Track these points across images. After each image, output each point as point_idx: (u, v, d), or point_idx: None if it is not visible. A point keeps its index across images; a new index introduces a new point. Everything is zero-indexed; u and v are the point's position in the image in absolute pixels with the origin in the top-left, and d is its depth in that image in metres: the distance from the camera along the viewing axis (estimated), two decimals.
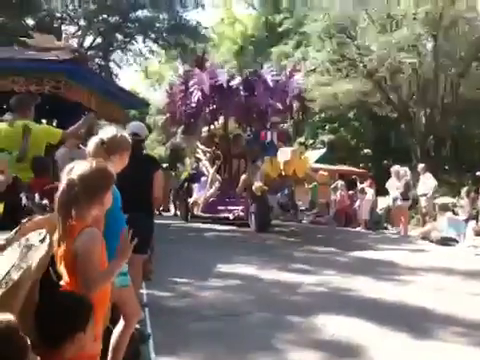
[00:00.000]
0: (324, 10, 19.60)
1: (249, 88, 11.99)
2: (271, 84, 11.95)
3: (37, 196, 3.93)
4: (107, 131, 3.20)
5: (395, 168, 13.67)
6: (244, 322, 4.80)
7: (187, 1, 23.50)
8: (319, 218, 15.78)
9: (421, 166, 13.81)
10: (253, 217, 11.18)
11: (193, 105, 12.26)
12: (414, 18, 17.26)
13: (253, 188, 10.61)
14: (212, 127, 13.74)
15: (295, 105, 13.02)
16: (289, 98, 12.47)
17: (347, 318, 5.02)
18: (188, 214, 12.81)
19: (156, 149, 30.68)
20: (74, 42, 18.25)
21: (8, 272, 1.78)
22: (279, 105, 12.27)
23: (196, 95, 11.97)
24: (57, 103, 9.11)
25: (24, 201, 3.63)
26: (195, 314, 4.94)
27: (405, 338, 4.55)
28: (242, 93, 11.88)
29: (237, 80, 12.00)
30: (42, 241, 1.98)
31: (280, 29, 28.33)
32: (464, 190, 12.11)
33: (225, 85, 11.79)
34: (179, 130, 16.57)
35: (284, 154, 10.65)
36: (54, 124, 8.59)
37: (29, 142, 4.79)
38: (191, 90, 12.18)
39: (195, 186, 13.01)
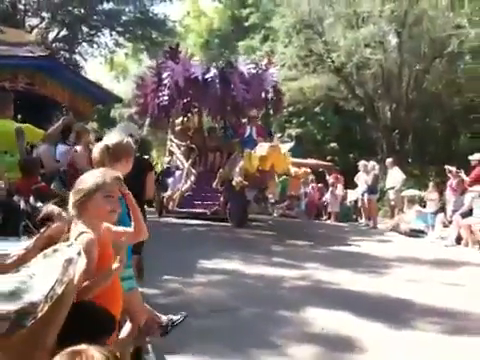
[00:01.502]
0: (291, 6, 19.76)
1: (225, 80, 11.85)
2: (247, 76, 11.87)
3: (32, 199, 3.91)
4: (112, 137, 3.24)
5: (363, 162, 14.01)
6: (235, 318, 4.90)
7: None
8: (289, 211, 16.02)
9: (389, 160, 14.18)
10: (231, 212, 11.10)
11: (166, 98, 12.09)
12: (380, 15, 17.64)
13: (233, 183, 10.56)
14: (185, 120, 13.61)
15: (270, 98, 12.89)
16: (264, 91, 12.37)
17: (333, 311, 5.19)
18: (162, 209, 12.67)
19: None
20: (38, 34, 17.75)
21: (53, 287, 1.80)
22: (255, 98, 12.15)
23: (170, 87, 11.81)
24: (24, 98, 8.97)
25: (23, 205, 3.59)
26: (186, 311, 4.95)
27: (388, 329, 4.74)
28: (218, 85, 11.72)
29: (212, 72, 11.86)
30: (79, 254, 2.00)
31: (246, 23, 28.32)
32: (432, 183, 12.53)
33: (200, 77, 11.65)
34: (146, 122, 16.32)
35: (262, 149, 10.55)
36: (19, 118, 8.45)
37: (23, 143, 4.77)
38: (165, 82, 11.98)
39: (169, 180, 12.73)
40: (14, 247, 2.53)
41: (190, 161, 12.47)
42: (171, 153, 13.35)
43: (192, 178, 12.15)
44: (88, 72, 25.93)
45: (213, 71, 11.97)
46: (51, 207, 2.66)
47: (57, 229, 2.47)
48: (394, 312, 5.30)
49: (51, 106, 9.13)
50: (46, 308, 1.73)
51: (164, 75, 12.02)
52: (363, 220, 13.94)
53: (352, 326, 4.75)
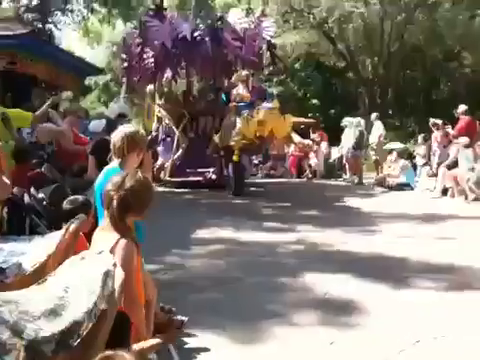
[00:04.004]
0: None
1: (216, 38, 11.01)
2: (241, 33, 11.11)
3: (33, 190, 3.87)
4: (128, 126, 3.35)
5: (348, 119, 14.00)
6: (237, 289, 4.96)
7: None
8: (273, 171, 16.07)
9: (374, 115, 14.18)
10: (229, 180, 10.64)
11: (152, 59, 11.37)
12: None
13: (231, 143, 9.97)
14: (173, 83, 12.75)
15: (265, 55, 12.00)
16: (258, 47, 11.50)
17: (332, 274, 5.30)
18: (153, 179, 12.08)
19: (97, 109, 29.69)
20: (10, 5, 17.08)
21: (95, 303, 1.78)
22: (249, 55, 11.36)
23: (156, 48, 11.11)
24: (8, 77, 8.78)
25: (27, 199, 3.55)
26: (189, 285, 5.03)
27: (389, 289, 4.89)
28: (208, 44, 10.92)
29: (202, 30, 11.05)
30: (115, 265, 1.98)
31: None
32: (421, 137, 12.67)
33: (189, 36, 10.86)
34: (121, 90, 15.59)
35: (260, 113, 9.86)
36: (9, 97, 8.26)
37: (14, 129, 4.67)
38: (150, 43, 11.23)
39: (159, 149, 11.84)
40: (26, 247, 2.47)
41: (181, 127, 11.72)
42: (159, 119, 12.48)
43: (184, 145, 11.52)
44: (61, 40, 25.28)
45: (202, 28, 11.15)
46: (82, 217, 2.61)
47: (77, 229, 2.44)
48: (391, 271, 5.43)
49: (33, 83, 8.91)
50: (91, 326, 1.73)
51: (149, 35, 11.18)
52: (348, 175, 14.01)
53: (353, 289, 4.86)
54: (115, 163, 3.41)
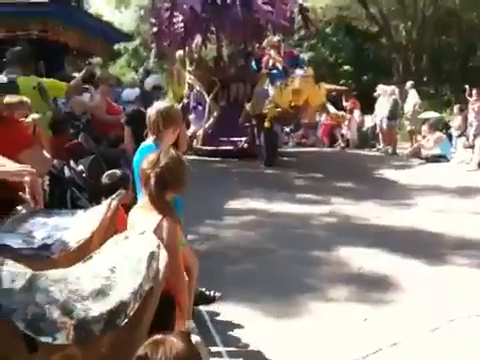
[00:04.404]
0: None
1: (246, 2, 10.67)
2: None
3: (72, 162, 3.91)
4: (162, 103, 3.34)
5: (382, 87, 13.65)
6: (272, 260, 4.99)
7: None
8: (305, 140, 15.86)
9: (409, 83, 13.80)
10: (261, 149, 10.40)
11: (181, 24, 11.13)
12: None
13: (265, 111, 9.76)
14: (203, 48, 12.46)
15: (297, 19, 11.73)
16: (289, 11, 11.06)
17: (366, 249, 5.28)
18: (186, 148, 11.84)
19: (126, 75, 29.69)
20: None
21: (141, 284, 1.80)
22: (280, 19, 10.82)
23: (185, 13, 10.85)
24: (40, 45, 8.79)
25: (67, 173, 3.58)
26: (223, 256, 5.09)
27: (424, 265, 4.85)
28: (238, 8, 10.59)
29: None
30: (159, 247, 2.00)
31: None
32: (457, 107, 12.29)
33: (219, 0, 10.67)
34: (151, 55, 15.32)
35: (294, 81, 9.54)
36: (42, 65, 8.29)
37: (50, 100, 4.69)
38: (179, 7, 10.93)
39: (190, 117, 11.50)
40: (69, 222, 2.48)
41: (212, 95, 11.43)
42: (190, 86, 12.08)
43: (215, 113, 11.25)
44: (89, 4, 25.08)
45: None
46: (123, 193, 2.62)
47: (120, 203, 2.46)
48: (425, 246, 5.38)
49: (65, 51, 8.93)
50: (137, 306, 1.76)
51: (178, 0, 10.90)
52: (381, 145, 13.75)
53: (387, 264, 4.85)
54: (150, 140, 3.42)
